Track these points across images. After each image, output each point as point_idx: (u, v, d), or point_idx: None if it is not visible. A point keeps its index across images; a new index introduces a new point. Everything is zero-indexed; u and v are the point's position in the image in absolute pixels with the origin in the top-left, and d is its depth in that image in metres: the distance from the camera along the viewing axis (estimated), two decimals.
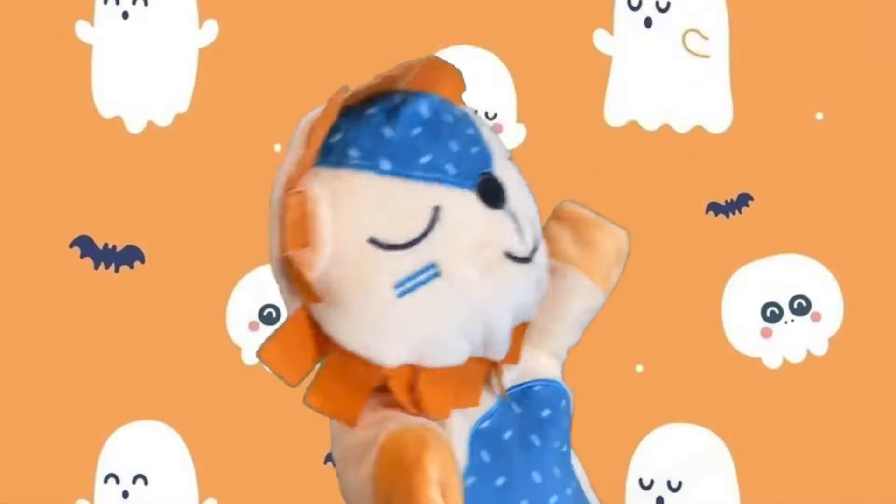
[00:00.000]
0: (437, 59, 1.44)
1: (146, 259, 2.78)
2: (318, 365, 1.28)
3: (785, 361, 2.78)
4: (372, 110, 1.36)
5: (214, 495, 2.72)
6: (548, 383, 1.49)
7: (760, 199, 2.80)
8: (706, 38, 2.83)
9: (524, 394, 1.45)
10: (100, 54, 2.84)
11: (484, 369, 1.37)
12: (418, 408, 1.30)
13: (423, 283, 1.26)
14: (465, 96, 2.85)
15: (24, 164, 2.81)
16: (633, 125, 2.82)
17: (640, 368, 2.75)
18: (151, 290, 2.76)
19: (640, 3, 2.83)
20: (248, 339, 2.77)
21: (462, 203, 1.31)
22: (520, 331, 1.39)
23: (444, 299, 1.27)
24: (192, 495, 2.74)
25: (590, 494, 1.52)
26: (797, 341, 2.78)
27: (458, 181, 1.31)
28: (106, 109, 2.83)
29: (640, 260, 2.79)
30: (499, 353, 1.35)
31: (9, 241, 2.78)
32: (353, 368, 1.28)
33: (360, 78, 2.93)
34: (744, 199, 2.80)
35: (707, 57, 2.83)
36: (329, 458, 2.44)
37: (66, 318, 2.76)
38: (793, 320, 2.78)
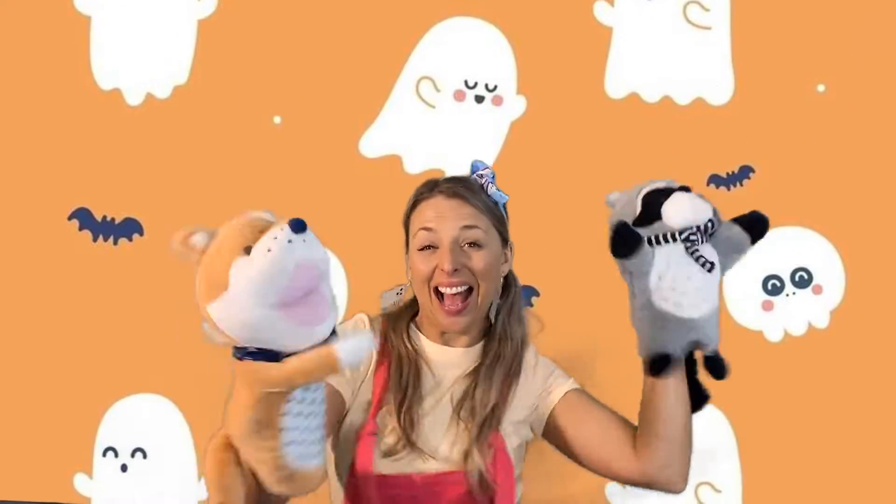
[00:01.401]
0: None
1: (145, 231, 2.79)
2: None
3: (786, 334, 2.78)
4: None
5: None
6: None
7: (762, 172, 2.80)
8: (707, 10, 2.82)
9: None
10: (99, 26, 2.83)
11: None
12: None
13: None
14: (465, 68, 2.86)
15: (23, 136, 2.81)
16: (634, 97, 2.82)
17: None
18: (150, 262, 2.75)
19: None
20: None
21: None
22: None
23: None
24: (191, 469, 2.74)
25: None
26: (799, 314, 2.78)
27: None
28: (105, 81, 2.83)
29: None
30: None
31: (7, 213, 2.79)
32: None
33: (361, 51, 2.93)
34: (745, 172, 2.80)
35: (708, 29, 2.82)
36: None
37: (64, 291, 2.76)
38: (794, 293, 2.78)
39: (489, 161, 2.76)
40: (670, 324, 1.93)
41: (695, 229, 1.90)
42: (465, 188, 2.08)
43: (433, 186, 2.11)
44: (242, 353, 1.48)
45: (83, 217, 2.78)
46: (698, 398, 2.10)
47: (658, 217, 1.91)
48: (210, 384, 2.60)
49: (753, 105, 2.81)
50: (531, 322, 2.20)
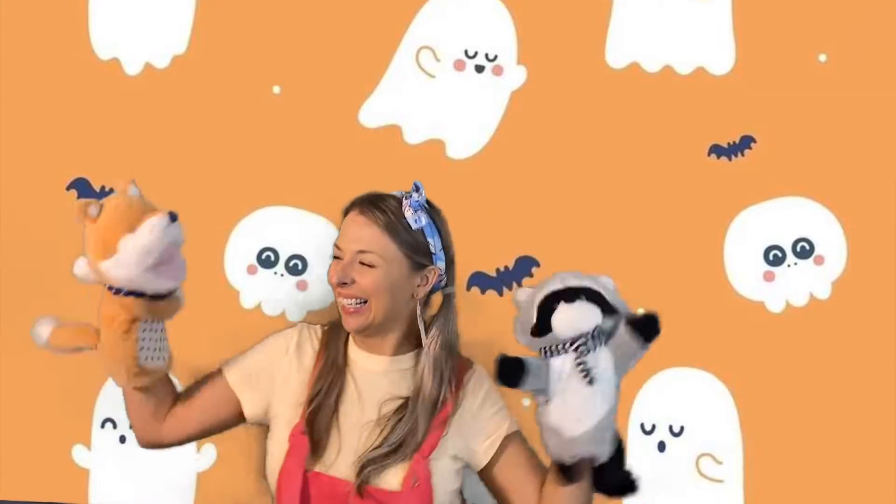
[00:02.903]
0: None
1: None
2: None
3: (788, 305, 2.76)
4: None
5: (212, 440, 2.70)
6: None
7: (763, 142, 2.79)
8: None
9: None
10: None
11: None
12: None
13: None
14: (465, 38, 2.85)
15: (21, 105, 2.79)
16: (635, 67, 2.81)
17: (641, 311, 2.73)
18: None
19: None
20: (246, 283, 2.76)
21: None
22: None
23: None
24: (191, 449, 2.73)
25: None
26: (800, 285, 2.77)
27: None
28: (103, 51, 2.81)
29: (642, 203, 2.79)
30: None
31: (6, 183, 2.77)
32: None
33: (360, 20, 2.92)
34: (746, 142, 2.79)
35: None
36: None
37: (63, 262, 2.73)
38: (796, 263, 2.77)
39: (490, 130, 2.79)
40: (560, 438, 1.98)
41: (583, 339, 1.95)
42: (375, 209, 2.22)
43: (356, 203, 2.26)
44: (118, 291, 2.07)
45: (82, 187, 2.76)
46: (624, 485, 2.13)
47: (549, 329, 1.97)
48: (209, 355, 2.62)
49: (755, 75, 2.79)
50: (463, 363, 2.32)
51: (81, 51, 2.81)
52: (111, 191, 2.76)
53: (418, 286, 2.23)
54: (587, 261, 2.70)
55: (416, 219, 2.22)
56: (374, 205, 2.22)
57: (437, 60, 2.81)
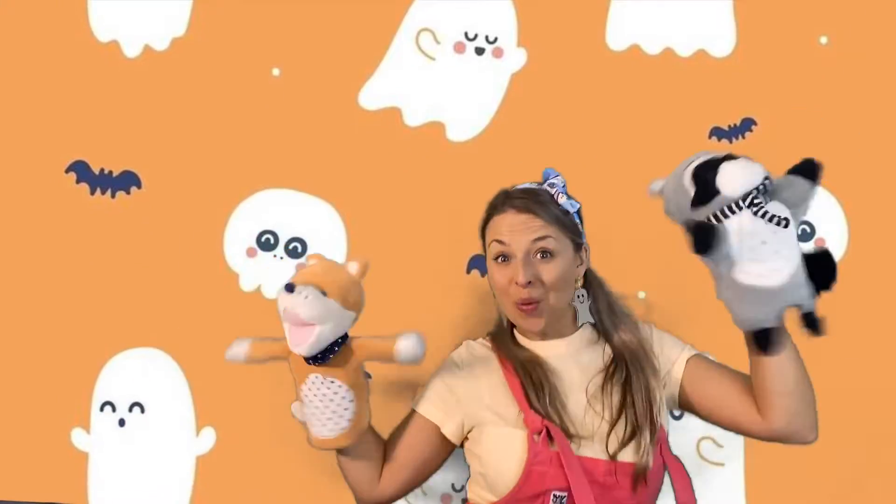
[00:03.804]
0: None
1: (143, 184, 2.76)
2: None
3: None
4: None
5: (212, 423, 2.70)
6: None
7: (764, 124, 2.79)
8: None
9: None
10: None
11: None
12: None
13: None
14: (465, 20, 2.85)
15: (20, 88, 2.79)
16: (635, 49, 2.81)
17: (642, 294, 2.73)
18: (148, 215, 2.74)
19: None
20: (246, 266, 2.75)
21: None
22: None
23: None
24: (190, 423, 2.71)
25: None
26: None
27: None
28: (102, 33, 2.80)
29: (643, 186, 2.77)
30: None
31: (4, 166, 2.76)
32: None
33: (360, 2, 2.86)
34: (747, 124, 2.79)
35: None
36: None
37: (61, 245, 2.74)
38: None
39: (490, 112, 2.78)
40: (760, 296, 1.96)
41: (755, 192, 1.90)
42: (535, 202, 2.23)
43: (504, 200, 2.26)
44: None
45: (81, 170, 2.75)
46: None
47: (715, 192, 1.91)
48: (208, 339, 2.62)
49: (756, 57, 2.80)
50: (633, 309, 2.40)
51: (80, 33, 2.80)
52: (110, 173, 2.77)
53: (578, 267, 2.28)
54: (588, 242, 2.71)
55: (570, 205, 2.28)
56: (531, 198, 2.24)
57: (437, 43, 2.80)
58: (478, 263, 2.73)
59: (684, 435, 2.73)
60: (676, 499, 2.26)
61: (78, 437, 2.72)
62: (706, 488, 2.72)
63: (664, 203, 2.07)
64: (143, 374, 2.71)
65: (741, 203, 1.89)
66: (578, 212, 2.32)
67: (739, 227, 1.90)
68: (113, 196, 2.75)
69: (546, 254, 2.19)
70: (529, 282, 2.16)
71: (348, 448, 2.18)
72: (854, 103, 2.78)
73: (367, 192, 2.74)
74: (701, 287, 2.72)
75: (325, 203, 2.75)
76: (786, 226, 1.88)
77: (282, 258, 2.74)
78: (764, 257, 1.91)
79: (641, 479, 2.17)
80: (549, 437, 2.14)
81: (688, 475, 2.29)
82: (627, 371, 2.23)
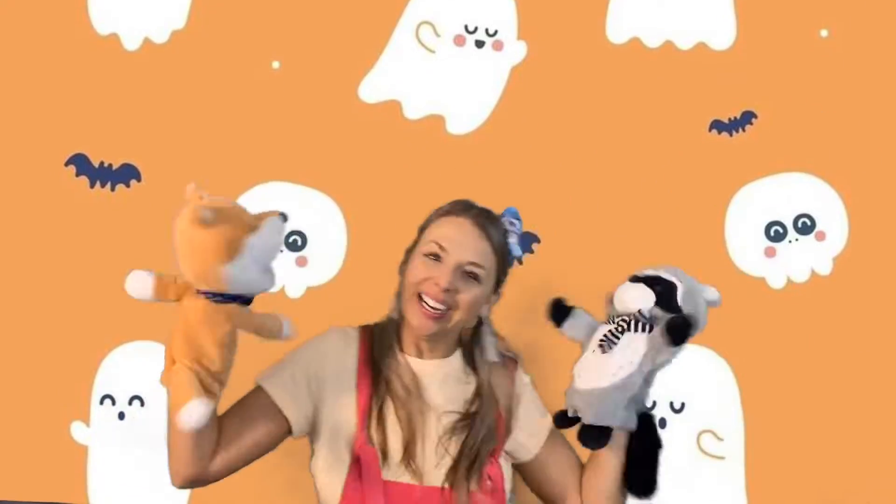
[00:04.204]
0: None
1: (142, 177, 2.76)
2: None
3: (789, 281, 2.76)
4: None
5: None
6: None
7: (764, 117, 2.78)
8: None
9: None
10: None
11: None
12: None
13: None
14: (465, 13, 2.84)
15: (20, 81, 2.79)
16: (636, 42, 2.80)
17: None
18: (148, 208, 2.73)
19: None
20: None
21: None
22: None
23: None
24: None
25: None
26: (801, 261, 2.76)
27: None
28: (102, 26, 2.80)
29: (643, 179, 2.78)
30: None
31: (4, 159, 2.76)
32: None
33: None
34: (747, 117, 2.78)
35: None
36: None
37: (61, 238, 2.74)
38: (797, 239, 2.76)
39: (490, 105, 2.79)
40: (569, 386, 2.06)
41: (628, 319, 2.01)
42: (491, 225, 2.18)
43: (465, 208, 2.20)
44: (224, 297, 1.91)
45: (80, 163, 2.75)
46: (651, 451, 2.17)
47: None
48: None
49: (756, 50, 2.79)
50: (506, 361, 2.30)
51: (80, 26, 2.80)
52: (110, 166, 2.77)
53: (485, 306, 2.21)
54: (587, 237, 2.72)
55: (517, 249, 2.24)
56: (490, 221, 2.19)
57: (437, 36, 2.80)
58: None
59: (684, 428, 2.73)
60: None
61: (78, 431, 2.72)
62: (706, 482, 2.73)
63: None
64: (143, 367, 2.70)
65: (614, 318, 2.05)
66: (516, 260, 2.28)
67: (599, 334, 2.06)
68: (113, 189, 2.75)
69: (473, 277, 2.13)
70: (447, 289, 2.10)
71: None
72: (854, 96, 2.78)
73: (366, 186, 2.74)
74: (699, 278, 2.72)
75: (324, 196, 2.75)
76: (602, 351, 2.03)
77: (282, 251, 2.73)
78: (584, 363, 2.06)
79: None
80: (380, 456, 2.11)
81: None
82: (477, 412, 2.18)
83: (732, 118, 2.78)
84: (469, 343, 2.26)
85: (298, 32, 2.79)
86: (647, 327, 2.01)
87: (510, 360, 2.29)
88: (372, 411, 2.13)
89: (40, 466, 2.71)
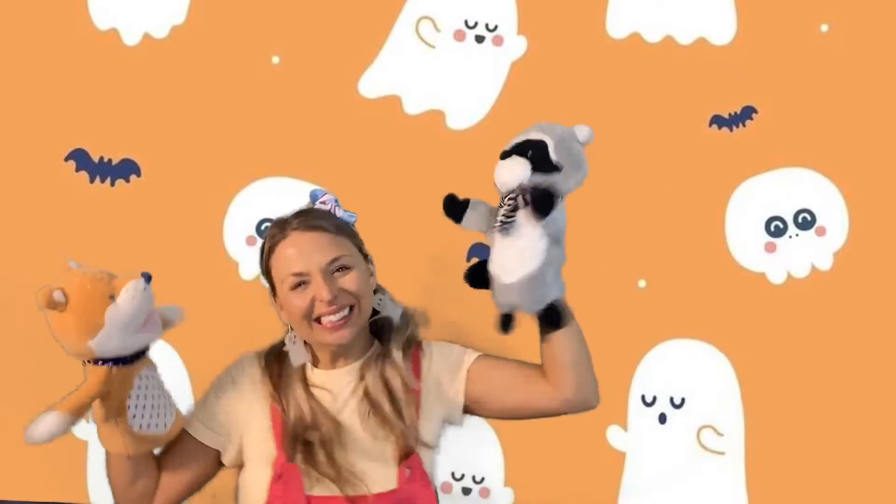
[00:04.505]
0: None
1: (142, 172, 2.76)
2: None
3: (789, 276, 2.76)
4: None
5: None
6: None
7: (764, 112, 2.78)
8: None
9: None
10: None
11: None
12: None
13: None
14: (465, 8, 2.84)
15: (20, 76, 2.79)
16: (636, 37, 2.80)
17: (642, 284, 2.73)
18: (148, 203, 2.74)
19: None
20: (246, 254, 2.75)
21: None
22: None
23: None
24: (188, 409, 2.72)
25: None
26: (802, 256, 2.76)
27: None
28: (102, 21, 2.80)
29: (643, 174, 2.78)
30: None
31: (4, 154, 2.77)
32: None
33: None
34: (747, 112, 2.78)
35: None
36: None
37: (61, 233, 2.74)
38: (797, 234, 2.76)
39: (490, 101, 2.78)
40: (495, 284, 1.95)
41: (514, 194, 1.92)
42: (316, 218, 2.10)
43: (284, 226, 2.10)
44: (104, 361, 1.95)
45: (80, 158, 2.76)
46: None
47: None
48: (208, 327, 2.61)
49: (756, 45, 2.79)
50: (414, 320, 2.21)
51: (80, 21, 2.80)
52: (109, 161, 2.77)
53: (371, 277, 2.15)
54: (587, 232, 2.70)
55: (348, 216, 2.16)
56: (309, 217, 2.11)
57: (437, 31, 2.80)
58: (477, 251, 2.72)
59: (684, 423, 2.73)
60: None
61: (79, 427, 2.71)
62: (707, 477, 2.73)
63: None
64: None
65: (504, 200, 1.94)
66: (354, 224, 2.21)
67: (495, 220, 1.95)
68: (112, 184, 2.76)
69: (343, 268, 2.06)
70: (335, 296, 2.03)
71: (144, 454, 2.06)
72: (855, 91, 2.77)
73: (366, 181, 2.73)
74: (698, 276, 2.75)
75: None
76: (504, 234, 1.91)
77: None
78: (499, 254, 1.93)
79: None
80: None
81: (431, 491, 2.14)
82: (386, 407, 2.09)
83: (732, 113, 2.78)
84: (379, 329, 2.18)
85: (298, 27, 2.79)
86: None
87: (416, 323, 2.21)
88: (289, 430, 2.07)
89: (41, 461, 2.71)
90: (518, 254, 1.91)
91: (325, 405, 2.08)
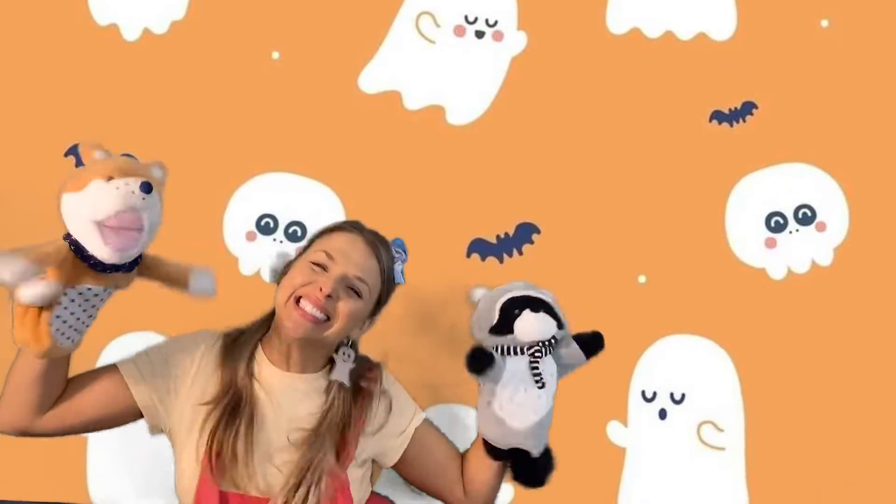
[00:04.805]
0: None
1: None
2: None
3: (789, 272, 2.75)
4: None
5: None
6: None
7: (764, 107, 2.78)
8: None
9: None
10: None
11: None
12: None
13: None
14: (465, 3, 2.84)
15: (20, 72, 2.78)
16: (636, 32, 2.80)
17: (642, 279, 2.72)
18: None
19: None
20: (246, 249, 2.75)
21: None
22: None
23: None
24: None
25: None
26: (802, 251, 2.76)
27: None
28: (102, 17, 2.80)
29: (643, 170, 2.78)
30: None
31: (4, 149, 2.76)
32: None
33: None
34: (748, 108, 2.78)
35: None
36: None
37: (60, 229, 2.73)
38: (797, 230, 2.76)
39: (490, 96, 2.78)
40: (502, 427, 2.11)
41: (539, 345, 2.06)
42: (382, 247, 2.18)
43: (358, 228, 2.20)
44: (69, 239, 1.90)
45: (80, 154, 2.75)
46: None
47: (511, 330, 2.07)
48: (208, 322, 2.61)
49: (756, 40, 2.79)
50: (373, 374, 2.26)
51: (80, 16, 2.80)
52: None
53: (361, 328, 2.20)
54: (587, 228, 2.71)
55: (400, 277, 2.23)
56: (380, 243, 2.19)
57: (437, 26, 2.80)
58: (478, 247, 2.73)
59: (684, 418, 2.73)
60: None
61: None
62: (707, 472, 2.73)
63: (473, 314, 2.15)
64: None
65: (525, 350, 2.06)
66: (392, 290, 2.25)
67: (515, 368, 2.07)
68: None
69: (356, 291, 2.12)
70: (329, 295, 2.08)
71: (55, 360, 2.00)
72: (855, 86, 2.77)
73: (366, 176, 2.73)
74: (698, 272, 2.75)
75: (324, 187, 2.74)
76: (541, 387, 2.06)
77: (281, 242, 2.73)
78: (519, 404, 2.07)
79: None
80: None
81: None
82: (326, 429, 2.14)
83: (733, 108, 2.78)
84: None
85: (298, 23, 2.79)
86: (552, 350, 2.08)
87: (370, 367, 2.26)
88: (220, 418, 2.10)
89: (40, 457, 2.71)
90: (533, 402, 2.08)
91: (264, 402, 2.13)
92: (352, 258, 2.12)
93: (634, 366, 2.75)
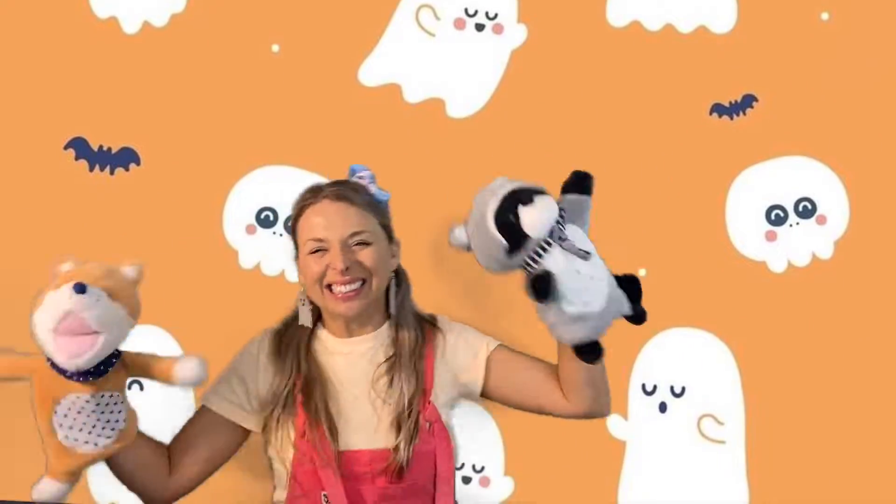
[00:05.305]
0: None
1: (142, 161, 2.75)
2: None
3: (790, 265, 2.76)
4: None
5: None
6: None
7: (765, 100, 2.78)
8: None
9: None
10: None
11: None
12: None
13: None
14: None
15: (18, 64, 2.77)
16: (636, 25, 2.80)
17: (642, 272, 2.72)
18: (147, 192, 2.73)
19: None
20: (245, 243, 2.75)
21: None
22: None
23: None
24: (189, 402, 2.71)
25: None
26: (802, 244, 2.76)
27: None
28: (101, 9, 2.79)
29: (643, 163, 2.78)
30: None
31: (3, 142, 2.75)
32: None
33: None
34: (748, 101, 2.78)
35: None
36: None
37: (60, 222, 2.73)
38: (798, 223, 2.76)
39: (490, 89, 2.78)
40: (587, 320, 2.01)
41: (556, 226, 1.98)
42: (349, 190, 2.20)
43: (317, 192, 2.21)
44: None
45: (79, 146, 2.74)
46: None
47: (525, 237, 1.97)
48: (207, 316, 2.61)
49: (757, 33, 2.79)
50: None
51: (79, 9, 2.78)
52: (109, 150, 2.77)
53: (392, 259, 2.25)
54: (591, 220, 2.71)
55: (381, 194, 2.25)
56: (344, 188, 2.21)
57: (437, 19, 2.79)
58: None
59: (685, 412, 2.73)
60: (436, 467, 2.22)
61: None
62: (707, 466, 2.73)
63: (476, 256, 2.07)
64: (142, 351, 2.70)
65: (550, 240, 1.97)
66: (387, 203, 2.29)
67: (555, 263, 1.97)
68: (112, 173, 2.75)
69: (363, 243, 2.16)
70: (347, 267, 2.13)
71: (123, 453, 2.08)
72: (855, 79, 2.77)
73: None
74: (699, 265, 2.75)
75: (324, 179, 2.72)
76: (586, 257, 2.00)
77: (281, 235, 2.73)
78: (583, 284, 1.99)
79: (400, 465, 2.14)
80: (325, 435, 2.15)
81: (450, 444, 2.24)
82: (399, 364, 2.20)
83: (733, 101, 2.78)
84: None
85: (298, 15, 2.78)
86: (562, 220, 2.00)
87: (427, 318, 2.32)
88: (308, 396, 2.17)
89: (40, 466, 2.70)
90: (596, 265, 2.03)
91: (338, 369, 2.20)
92: (335, 223, 2.16)
93: (634, 359, 2.76)
